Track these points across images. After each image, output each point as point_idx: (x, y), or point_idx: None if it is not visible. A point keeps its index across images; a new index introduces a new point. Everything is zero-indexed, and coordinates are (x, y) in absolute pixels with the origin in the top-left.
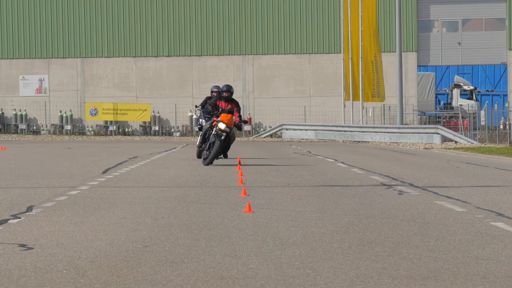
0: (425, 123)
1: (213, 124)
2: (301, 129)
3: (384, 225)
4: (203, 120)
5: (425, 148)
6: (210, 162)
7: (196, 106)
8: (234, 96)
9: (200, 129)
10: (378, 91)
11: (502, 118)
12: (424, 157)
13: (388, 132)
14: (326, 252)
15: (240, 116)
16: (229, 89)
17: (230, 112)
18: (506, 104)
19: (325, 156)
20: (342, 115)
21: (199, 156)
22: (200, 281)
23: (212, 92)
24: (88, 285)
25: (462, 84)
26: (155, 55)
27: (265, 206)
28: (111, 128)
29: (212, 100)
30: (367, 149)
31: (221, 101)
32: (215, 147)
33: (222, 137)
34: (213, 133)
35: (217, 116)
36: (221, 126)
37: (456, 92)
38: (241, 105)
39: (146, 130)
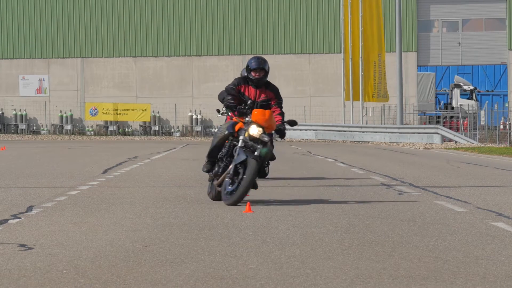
0: (425, 123)
1: (237, 128)
2: (301, 129)
3: (384, 225)
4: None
5: (425, 148)
6: (237, 201)
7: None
8: None
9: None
10: (382, 91)
11: (502, 118)
12: (424, 157)
13: (388, 132)
14: (326, 252)
15: (282, 114)
16: (261, 65)
17: (265, 106)
18: (506, 104)
19: (325, 156)
20: (342, 115)
21: (213, 192)
22: (200, 281)
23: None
24: (88, 285)
25: (462, 84)
26: (155, 55)
27: (265, 206)
28: (111, 128)
29: (231, 85)
30: (367, 149)
31: (249, 86)
32: (248, 172)
33: (258, 152)
34: (239, 145)
35: (243, 115)
36: (253, 131)
37: (456, 92)
38: None
39: (146, 130)
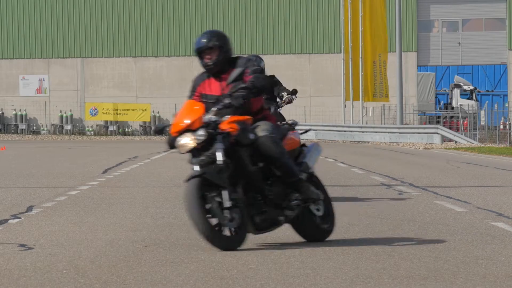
0: (425, 123)
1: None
2: (301, 129)
3: (384, 225)
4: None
5: (425, 148)
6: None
7: None
8: None
9: None
10: (382, 91)
11: (502, 118)
12: (424, 157)
13: (388, 132)
14: (326, 252)
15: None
16: (212, 41)
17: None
18: (506, 104)
19: (325, 156)
20: (342, 115)
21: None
22: (200, 281)
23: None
24: (88, 285)
25: (462, 84)
26: (155, 55)
27: None
28: (111, 128)
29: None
30: (367, 149)
31: (205, 80)
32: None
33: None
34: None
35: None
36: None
37: (456, 92)
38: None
39: (146, 130)
